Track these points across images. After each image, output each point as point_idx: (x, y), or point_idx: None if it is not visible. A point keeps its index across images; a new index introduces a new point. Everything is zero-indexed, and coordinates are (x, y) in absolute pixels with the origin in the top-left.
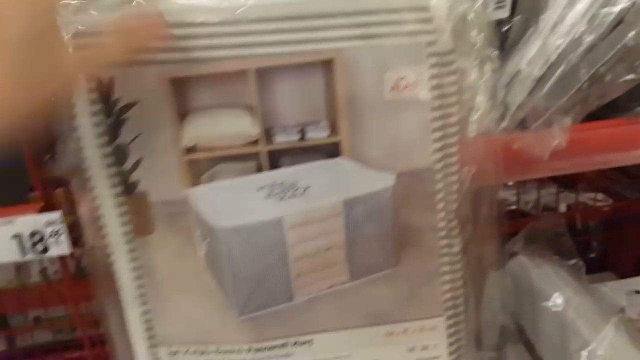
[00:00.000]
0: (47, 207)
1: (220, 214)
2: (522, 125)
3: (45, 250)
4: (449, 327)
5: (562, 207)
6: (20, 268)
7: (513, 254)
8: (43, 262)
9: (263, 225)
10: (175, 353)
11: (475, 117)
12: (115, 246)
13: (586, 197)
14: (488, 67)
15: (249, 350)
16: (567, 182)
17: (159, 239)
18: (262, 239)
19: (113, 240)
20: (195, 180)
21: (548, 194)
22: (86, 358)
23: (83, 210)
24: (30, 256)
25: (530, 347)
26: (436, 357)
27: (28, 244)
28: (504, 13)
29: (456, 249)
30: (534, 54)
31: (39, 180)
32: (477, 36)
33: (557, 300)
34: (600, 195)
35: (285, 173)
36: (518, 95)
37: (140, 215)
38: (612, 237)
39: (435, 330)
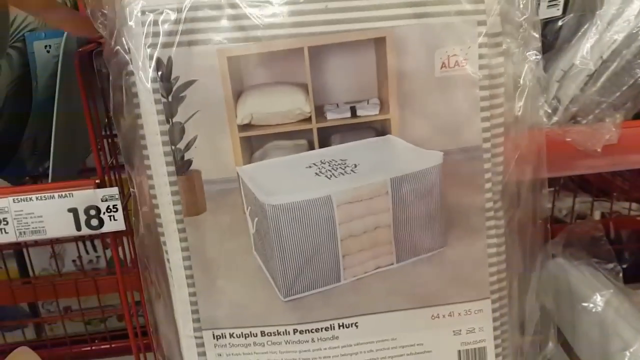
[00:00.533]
0: (104, 183)
1: (271, 191)
2: (573, 120)
3: (100, 225)
4: (495, 310)
5: (597, 216)
6: (55, 255)
7: (551, 257)
8: (78, 251)
9: (312, 203)
10: (219, 337)
11: (521, 102)
12: (167, 226)
13: (620, 207)
14: (533, 53)
15: (295, 332)
16: (602, 191)
17: (209, 219)
18: (311, 217)
19: (165, 220)
20: (247, 158)
21: (582, 202)
22: (114, 350)
23: (136, 189)
24: (84, 231)
25: (567, 347)
26: (482, 341)
27: (83, 218)
28: (557, 11)
29: (501, 230)
30: (589, 49)
31: (98, 155)
32: (524, 21)
33: (597, 302)
34: (635, 205)
35: (335, 150)
36: (571, 90)
37: (192, 194)
38: None
39: (481, 313)
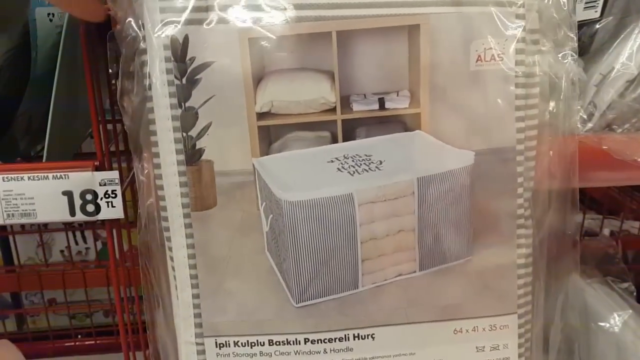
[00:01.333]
0: (103, 166)
1: (288, 186)
2: (608, 128)
3: (96, 212)
4: (520, 326)
5: (606, 233)
6: (43, 244)
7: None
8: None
9: (333, 201)
10: (223, 345)
11: (555, 104)
12: (173, 220)
13: (629, 225)
14: (569, 54)
15: (306, 341)
16: (612, 210)
17: (219, 214)
18: (330, 216)
19: (171, 213)
20: (265, 149)
21: (591, 219)
22: (99, 346)
23: (141, 178)
24: (79, 217)
25: None
26: (506, 359)
27: (79, 203)
28: (595, 13)
29: (529, 241)
30: (632, 53)
31: (99, 134)
32: (561, 21)
33: (614, 322)
34: None
35: (359, 145)
36: (609, 95)
37: (202, 187)
38: None
39: (507, 329)
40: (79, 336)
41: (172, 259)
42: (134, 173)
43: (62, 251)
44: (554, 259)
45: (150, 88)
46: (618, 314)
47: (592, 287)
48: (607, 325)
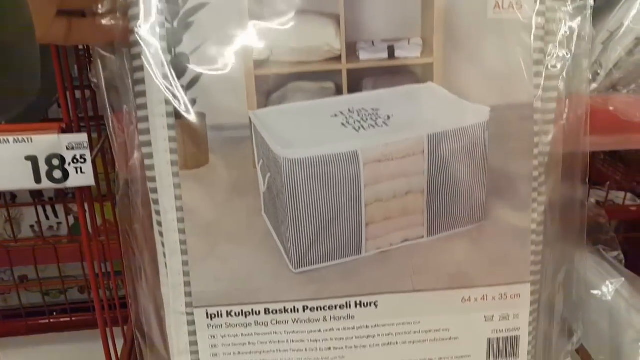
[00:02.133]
0: (70, 129)
1: (288, 142)
2: (613, 89)
3: (64, 178)
4: (532, 294)
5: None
6: (11, 219)
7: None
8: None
9: (336, 159)
10: (214, 315)
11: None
12: (162, 179)
13: (614, 196)
14: (583, 6)
15: (305, 309)
16: (597, 181)
17: (211, 173)
18: (333, 176)
19: (160, 172)
20: (263, 101)
21: None
22: (75, 323)
23: (121, 135)
24: (45, 184)
25: (572, 336)
26: (516, 329)
27: (45, 169)
28: None
29: (542, 208)
30: None
31: (65, 95)
32: None
33: (606, 290)
34: (629, 196)
35: (366, 97)
36: (616, 54)
37: (193, 143)
38: (633, 238)
39: (518, 298)
40: (54, 313)
41: (159, 223)
42: (104, 140)
43: (32, 226)
44: (562, 227)
45: (136, 32)
46: (610, 282)
47: (583, 255)
48: (600, 293)
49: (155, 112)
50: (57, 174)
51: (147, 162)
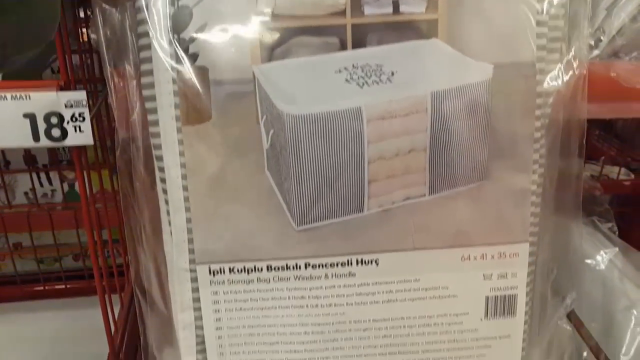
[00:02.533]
0: (69, 87)
1: (291, 98)
2: (615, 55)
3: (63, 137)
4: (531, 254)
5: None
6: (5, 185)
7: None
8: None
9: (339, 115)
10: (217, 272)
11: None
12: (166, 135)
13: (609, 171)
14: None
15: (307, 266)
16: (592, 156)
17: (214, 129)
18: (336, 132)
19: (164, 127)
20: (267, 56)
21: None
22: (69, 291)
23: (121, 90)
24: (44, 142)
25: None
26: (513, 288)
27: (43, 127)
28: None
29: (542, 170)
30: None
31: (63, 52)
32: None
33: (600, 259)
34: (623, 170)
35: (370, 53)
36: (619, 20)
37: (196, 98)
38: (626, 213)
39: (517, 257)
40: (49, 281)
41: (163, 180)
42: (101, 102)
43: (26, 193)
44: (558, 193)
45: None
46: (604, 251)
47: (578, 225)
48: (594, 262)
49: (160, 66)
50: (56, 132)
51: (150, 117)
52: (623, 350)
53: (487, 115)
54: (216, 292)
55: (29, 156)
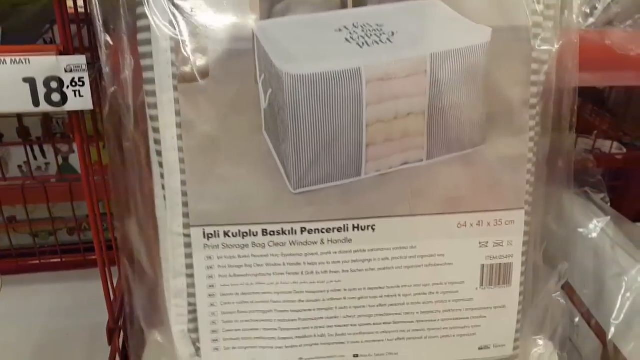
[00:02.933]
0: (68, 52)
1: (291, 57)
2: (610, 24)
3: (63, 101)
4: (526, 223)
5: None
6: (0, 158)
7: None
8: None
9: (339, 76)
10: (211, 235)
11: None
12: (162, 92)
13: (601, 145)
14: None
15: (302, 231)
16: (584, 131)
17: (211, 87)
18: (335, 93)
19: (160, 84)
20: (266, 13)
21: None
22: (65, 264)
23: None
24: (43, 107)
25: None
26: (509, 256)
27: (43, 91)
28: None
29: (537, 138)
30: None
31: (62, 16)
32: None
33: (592, 227)
34: (616, 144)
35: (371, 12)
36: None
37: (193, 54)
38: (618, 186)
39: (512, 225)
40: (45, 254)
41: (157, 141)
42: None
43: (19, 167)
44: (550, 161)
45: None
46: (597, 220)
47: (570, 196)
48: (586, 231)
49: (157, 22)
50: (56, 97)
51: (146, 75)
52: (614, 316)
53: (485, 79)
54: (210, 257)
55: (22, 129)
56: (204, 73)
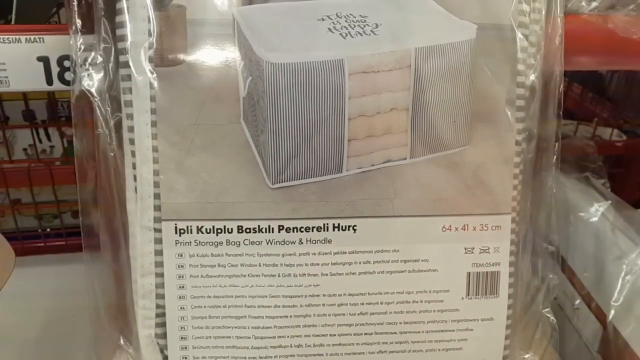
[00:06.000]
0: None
1: (272, 45)
2: (612, 8)
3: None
4: (512, 230)
5: None
6: (6, 139)
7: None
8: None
9: (320, 66)
10: (183, 231)
11: None
12: (137, 76)
13: (602, 132)
14: None
15: (280, 229)
16: (584, 118)
17: (188, 73)
18: (317, 84)
19: (135, 68)
20: None
21: (564, 125)
22: (69, 247)
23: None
24: (57, 85)
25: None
26: (496, 264)
27: (56, 70)
28: None
29: (524, 135)
30: None
31: None
32: None
33: (593, 211)
34: (616, 133)
35: (355, 3)
36: None
37: (170, 38)
38: (618, 174)
39: (498, 230)
40: (49, 237)
41: (130, 128)
42: None
43: (25, 149)
44: (539, 156)
45: None
46: (597, 204)
47: (573, 182)
48: (586, 215)
49: (136, 3)
50: (69, 76)
51: (121, 58)
52: (614, 298)
53: (470, 77)
54: (181, 255)
55: (28, 112)
56: (182, 58)
